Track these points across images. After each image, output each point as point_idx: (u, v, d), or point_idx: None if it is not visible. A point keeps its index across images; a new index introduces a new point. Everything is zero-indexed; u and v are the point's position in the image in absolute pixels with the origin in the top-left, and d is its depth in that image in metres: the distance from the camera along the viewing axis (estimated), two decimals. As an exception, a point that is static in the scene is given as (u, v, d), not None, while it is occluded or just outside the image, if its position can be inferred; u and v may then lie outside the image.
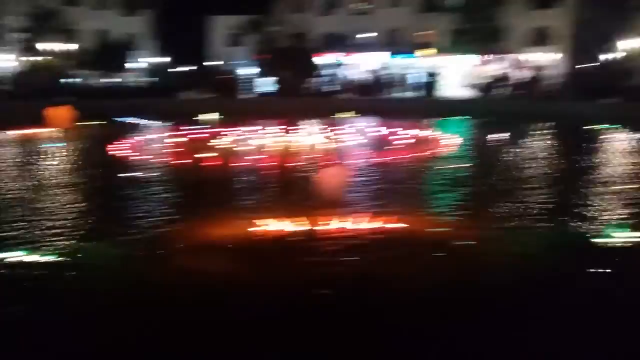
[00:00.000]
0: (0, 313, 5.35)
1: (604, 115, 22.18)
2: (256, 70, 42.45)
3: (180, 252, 6.95)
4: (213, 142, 16.12)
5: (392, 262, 6.55)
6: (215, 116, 23.89)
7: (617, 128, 19.87)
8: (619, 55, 39.55)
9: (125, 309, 5.38)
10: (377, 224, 7.87)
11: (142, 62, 47.02)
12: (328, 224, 7.81)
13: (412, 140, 16.02)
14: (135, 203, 9.58)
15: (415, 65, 44.77)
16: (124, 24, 48.06)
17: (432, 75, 35.11)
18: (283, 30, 49.14)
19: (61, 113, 21.54)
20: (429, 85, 32.76)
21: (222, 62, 44.95)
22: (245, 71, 43.89)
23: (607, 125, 20.33)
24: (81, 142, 18.62)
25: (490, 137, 17.49)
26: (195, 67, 42.32)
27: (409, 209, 8.70)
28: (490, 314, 5.31)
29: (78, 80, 35.23)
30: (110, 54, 37.41)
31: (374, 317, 5.24)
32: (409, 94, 30.76)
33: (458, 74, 43.23)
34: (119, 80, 39.93)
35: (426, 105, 22.27)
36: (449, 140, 16.94)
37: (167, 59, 48.60)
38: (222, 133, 17.61)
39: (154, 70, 42.06)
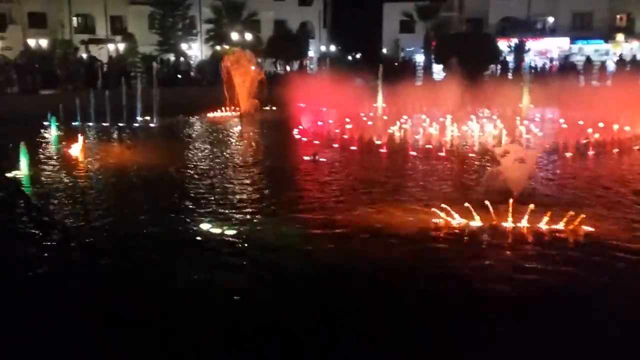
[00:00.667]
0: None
1: None
2: (426, 57, 41.65)
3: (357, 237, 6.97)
4: (391, 128, 16.00)
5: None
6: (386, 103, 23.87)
7: None
8: None
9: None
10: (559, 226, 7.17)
11: (317, 51, 48.66)
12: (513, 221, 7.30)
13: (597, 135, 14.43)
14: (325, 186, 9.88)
15: (607, 52, 40.71)
16: (300, 13, 50.03)
17: (632, 63, 31.52)
18: (458, 15, 47.66)
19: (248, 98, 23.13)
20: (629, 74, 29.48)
21: (393, 50, 44.87)
22: (419, 58, 43.36)
23: None
24: (268, 125, 19.82)
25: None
26: (367, 55, 42.68)
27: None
28: None
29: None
30: (288, 43, 39.14)
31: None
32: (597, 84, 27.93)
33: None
34: (297, 68, 41.69)
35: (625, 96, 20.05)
36: None
37: (339, 48, 49.72)
38: (398, 120, 17.45)
39: (329, 58, 43.26)
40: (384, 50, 46.81)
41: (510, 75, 30.70)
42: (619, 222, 7.51)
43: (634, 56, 35.26)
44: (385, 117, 19.84)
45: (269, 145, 15.37)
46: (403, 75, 28.91)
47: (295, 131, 16.46)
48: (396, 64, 36.58)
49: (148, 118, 20.08)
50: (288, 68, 39.27)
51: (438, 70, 35.81)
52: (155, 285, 5.71)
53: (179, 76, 33.06)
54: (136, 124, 19.47)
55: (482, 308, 5.22)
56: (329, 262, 6.29)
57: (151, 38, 41.88)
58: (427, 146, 13.40)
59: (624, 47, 40.10)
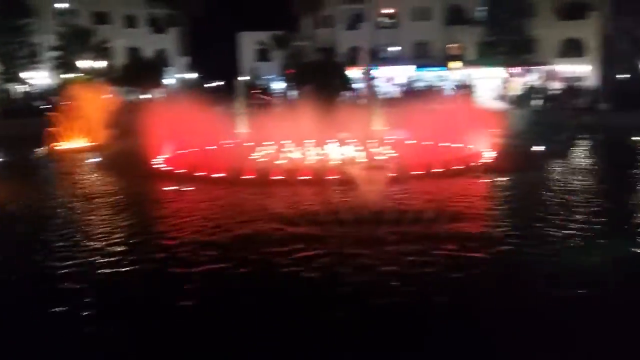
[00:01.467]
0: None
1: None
2: (285, 84, 42.79)
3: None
4: (253, 155, 16.22)
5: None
6: (247, 130, 24.12)
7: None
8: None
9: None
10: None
11: (173, 78, 47.82)
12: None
13: (456, 153, 15.91)
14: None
15: (445, 77, 44.73)
16: (154, 41, 49.01)
17: (466, 87, 34.97)
18: (310, 44, 49.66)
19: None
20: (464, 98, 32.62)
21: (251, 77, 45.47)
22: (275, 85, 44.35)
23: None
24: (122, 155, 19.02)
25: (532, 149, 17.31)
26: (225, 82, 42.76)
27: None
28: None
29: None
30: (143, 71, 38.09)
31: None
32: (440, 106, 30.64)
33: (488, 86, 43.05)
34: (150, 96, 40.58)
35: (463, 117, 22.24)
36: (488, 152, 16.83)
37: (197, 75, 49.37)
38: (259, 147, 17.74)
39: (186, 85, 42.75)
40: (244, 78, 47.31)
41: (362, 101, 32.53)
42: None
43: (468, 81, 39.26)
44: (249, 144, 20.03)
45: (123, 177, 14.79)
46: (266, 102, 29.59)
47: (155, 161, 16.05)
48: (257, 91, 37.10)
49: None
50: (145, 96, 38.13)
51: (297, 96, 36.92)
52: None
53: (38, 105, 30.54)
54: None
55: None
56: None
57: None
58: (289, 170, 13.77)
59: (460, 73, 44.43)
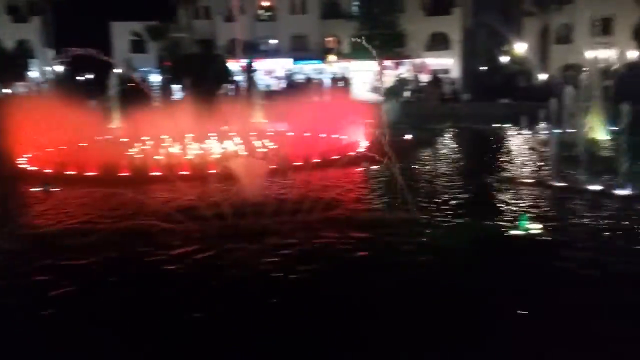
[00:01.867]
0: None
1: (501, 115, 24.15)
2: (163, 77, 41.57)
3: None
4: (129, 152, 15.78)
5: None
6: (123, 125, 23.34)
7: (512, 126, 21.64)
8: (508, 58, 42.81)
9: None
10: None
11: (39, 71, 44.62)
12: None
13: (334, 144, 16.55)
14: None
15: (322, 71, 45.83)
16: (15, 31, 45.42)
17: (342, 80, 36.13)
18: (188, 36, 48.59)
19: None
20: (341, 90, 33.73)
21: (125, 69, 43.55)
22: (153, 78, 42.91)
23: (506, 125, 22.19)
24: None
25: (403, 138, 18.43)
26: (97, 75, 40.61)
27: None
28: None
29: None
30: (4, 63, 35.24)
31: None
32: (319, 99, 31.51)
33: (363, 79, 44.77)
34: (11, 91, 37.66)
35: (340, 108, 23.16)
36: (363, 142, 17.69)
37: (66, 68, 46.39)
38: (136, 142, 17.26)
39: (56, 79, 40.13)
40: (118, 70, 45.18)
41: (243, 94, 32.59)
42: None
43: (344, 74, 40.61)
44: (124, 140, 19.36)
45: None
46: (144, 96, 28.55)
47: (19, 160, 15.07)
48: (130, 84, 35.62)
49: None
50: (5, 90, 35.31)
51: (176, 90, 36.11)
52: None
53: None
54: None
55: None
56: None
57: None
58: (170, 165, 13.58)
59: (336, 66, 45.77)
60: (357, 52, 43.18)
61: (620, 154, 10.33)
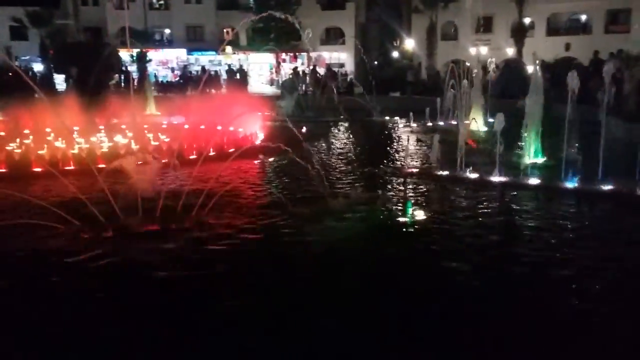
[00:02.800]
0: None
1: (392, 108, 25.20)
2: (45, 66, 39.06)
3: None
4: (10, 146, 14.81)
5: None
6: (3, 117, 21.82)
7: (402, 119, 22.68)
8: (399, 53, 44.60)
9: None
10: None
11: None
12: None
13: (230, 136, 16.47)
14: None
15: (218, 62, 45.19)
16: None
17: (239, 72, 35.81)
18: (74, 24, 45.98)
19: None
20: (238, 81, 33.44)
21: (7, 58, 40.45)
22: (35, 68, 40.15)
23: (397, 118, 23.22)
24: None
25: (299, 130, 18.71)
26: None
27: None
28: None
29: None
30: None
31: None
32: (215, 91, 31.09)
33: (259, 71, 44.78)
34: None
35: (237, 101, 23.16)
36: (259, 135, 17.81)
37: None
38: (19, 136, 16.23)
39: None
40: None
41: (134, 85, 31.44)
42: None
43: (241, 66, 40.30)
44: (1, 133, 18.11)
45: None
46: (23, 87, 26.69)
47: None
48: (10, 74, 33.21)
49: None
50: None
51: (60, 80, 34.08)
52: None
53: None
54: None
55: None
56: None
57: None
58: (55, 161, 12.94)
59: (233, 58, 45.31)
60: (254, 44, 43.09)
61: (497, 145, 11.20)
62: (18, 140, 15.43)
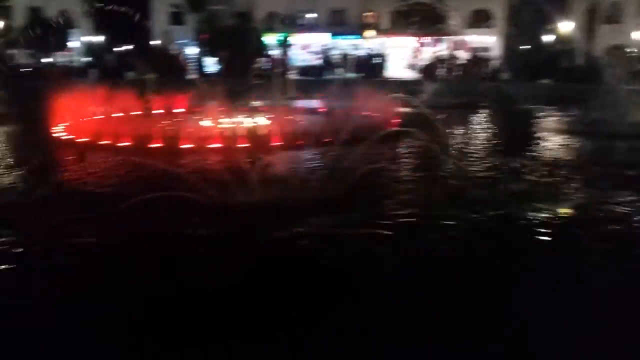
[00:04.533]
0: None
1: (540, 96, 23.41)
2: (199, 50, 41.68)
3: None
4: (162, 123, 15.91)
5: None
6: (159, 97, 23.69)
7: (550, 109, 20.95)
8: (553, 37, 41.40)
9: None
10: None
11: (78, 41, 45.30)
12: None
13: (367, 121, 16.29)
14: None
15: (360, 46, 45.15)
16: (59, 1, 46.08)
17: (378, 56, 35.54)
18: (226, 8, 48.48)
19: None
20: (376, 66, 33.17)
21: (164, 42, 43.86)
22: (190, 51, 43.07)
23: (541, 106, 21.50)
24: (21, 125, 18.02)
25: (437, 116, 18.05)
26: (135, 47, 41.03)
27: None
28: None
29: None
30: (46, 32, 35.80)
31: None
32: (353, 75, 31.09)
33: (400, 55, 44.03)
34: (51, 60, 38.27)
35: (374, 86, 22.89)
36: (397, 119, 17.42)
37: (103, 38, 46.97)
38: (170, 115, 17.42)
39: (93, 49, 40.70)
40: (156, 42, 45.55)
41: (276, 69, 32.42)
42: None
43: (379, 50, 39.95)
44: (158, 112, 19.55)
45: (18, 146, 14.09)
46: (179, 69, 28.87)
47: (56, 129, 15.39)
48: (169, 56, 35.92)
49: None
50: (47, 60, 36.04)
51: (211, 63, 36.16)
52: None
53: None
54: None
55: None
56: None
57: None
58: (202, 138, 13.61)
59: (374, 41, 45.04)
60: (396, 28, 42.47)
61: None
62: (171, 118, 16.49)
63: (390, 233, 7.18)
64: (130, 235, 7.06)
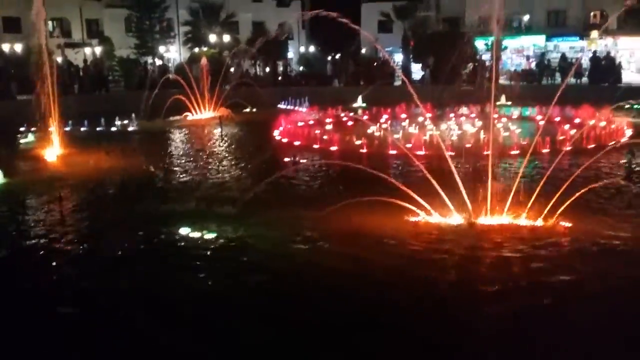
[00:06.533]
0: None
1: None
2: (405, 57, 41.81)
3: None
4: (369, 130, 16.08)
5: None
6: (362, 104, 24.27)
7: None
8: None
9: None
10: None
11: (296, 52, 48.65)
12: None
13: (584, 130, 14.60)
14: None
15: (582, 48, 41.20)
16: (279, 14, 49.96)
17: (607, 59, 31.86)
18: (435, 15, 48.04)
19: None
20: (607, 70, 29.73)
21: (373, 50, 44.97)
22: (396, 58, 43.55)
23: None
24: (246, 127, 19.70)
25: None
26: (342, 55, 42.62)
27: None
28: None
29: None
30: (270, 44, 38.93)
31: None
32: (574, 81, 28.20)
33: (630, 58, 39.22)
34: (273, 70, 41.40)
35: (605, 92, 20.56)
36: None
37: (317, 48, 49.71)
38: (375, 120, 17.55)
39: (307, 59, 43.34)
40: (363, 50, 46.90)
41: (487, 74, 30.98)
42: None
43: (608, 52, 35.74)
44: (365, 117, 19.89)
45: (254, 148, 15.22)
46: (387, 75, 29.38)
47: (275, 133, 16.49)
48: (375, 64, 36.67)
49: (127, 122, 20.07)
50: (267, 69, 39.25)
51: (416, 69, 36.12)
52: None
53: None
54: (115, 129, 19.54)
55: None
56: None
57: (128, 41, 41.58)
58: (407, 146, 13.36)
59: (599, 43, 40.68)
60: (627, 28, 37.75)
61: None
62: (379, 125, 16.59)
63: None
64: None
